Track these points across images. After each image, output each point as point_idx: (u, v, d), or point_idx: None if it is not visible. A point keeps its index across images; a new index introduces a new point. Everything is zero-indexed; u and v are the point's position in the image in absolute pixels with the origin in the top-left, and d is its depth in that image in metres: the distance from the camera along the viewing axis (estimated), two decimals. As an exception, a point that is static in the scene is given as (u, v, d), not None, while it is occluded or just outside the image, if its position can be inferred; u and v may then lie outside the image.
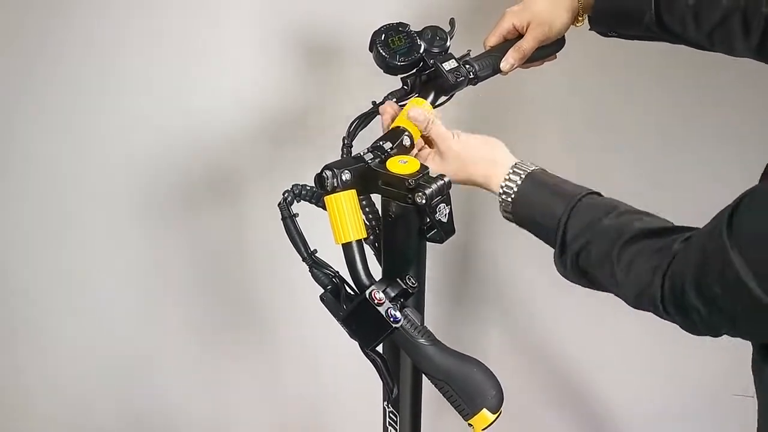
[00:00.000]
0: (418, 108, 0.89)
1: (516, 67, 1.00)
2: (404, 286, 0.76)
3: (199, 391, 1.68)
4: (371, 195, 0.88)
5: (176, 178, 1.45)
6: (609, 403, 1.69)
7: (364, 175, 0.80)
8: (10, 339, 1.59)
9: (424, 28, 0.97)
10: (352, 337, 0.77)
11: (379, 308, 0.73)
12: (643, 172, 1.46)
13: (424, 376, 0.76)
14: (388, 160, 0.81)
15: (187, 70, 1.37)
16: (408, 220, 0.82)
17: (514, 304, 1.65)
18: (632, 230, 0.71)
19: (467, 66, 0.97)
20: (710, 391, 1.64)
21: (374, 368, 0.79)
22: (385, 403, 1.00)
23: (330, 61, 1.39)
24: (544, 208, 0.78)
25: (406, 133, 0.87)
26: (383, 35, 0.94)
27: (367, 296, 0.74)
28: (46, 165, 1.44)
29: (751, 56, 0.92)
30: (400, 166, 0.79)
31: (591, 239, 0.74)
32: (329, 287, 0.80)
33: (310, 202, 0.84)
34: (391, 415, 1.00)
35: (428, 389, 0.83)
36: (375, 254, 0.88)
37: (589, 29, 1.03)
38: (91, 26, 1.33)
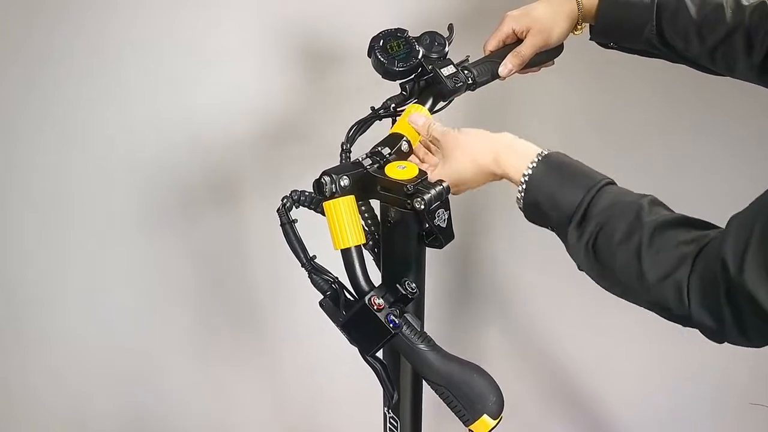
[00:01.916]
0: (418, 113, 0.89)
1: (514, 73, 1.01)
2: (404, 292, 0.76)
3: (199, 392, 1.68)
4: (370, 200, 0.88)
5: (177, 181, 1.46)
6: (612, 409, 1.69)
7: (363, 181, 0.80)
8: (15, 339, 1.60)
9: (422, 34, 0.97)
10: (351, 343, 0.77)
11: (378, 314, 0.73)
12: (644, 175, 1.46)
13: (424, 381, 0.76)
14: (387, 165, 0.81)
15: (187, 74, 1.38)
16: (407, 225, 0.82)
17: (514, 309, 1.65)
18: (670, 214, 0.70)
19: (466, 71, 0.97)
20: (725, 399, 1.63)
21: (374, 374, 0.79)
22: (386, 408, 1.00)
23: (329, 66, 1.39)
24: (564, 186, 0.74)
25: (405, 138, 0.87)
26: (382, 41, 0.94)
27: (367, 302, 0.74)
28: (48, 165, 1.44)
29: (752, 77, 0.92)
30: (398, 171, 0.79)
31: (621, 213, 0.71)
32: (328, 293, 0.80)
33: (309, 208, 0.84)
34: (391, 420, 1.00)
35: (429, 395, 0.82)
36: (374, 260, 0.88)
37: (590, 39, 1.03)
38: (94, 29, 1.33)
